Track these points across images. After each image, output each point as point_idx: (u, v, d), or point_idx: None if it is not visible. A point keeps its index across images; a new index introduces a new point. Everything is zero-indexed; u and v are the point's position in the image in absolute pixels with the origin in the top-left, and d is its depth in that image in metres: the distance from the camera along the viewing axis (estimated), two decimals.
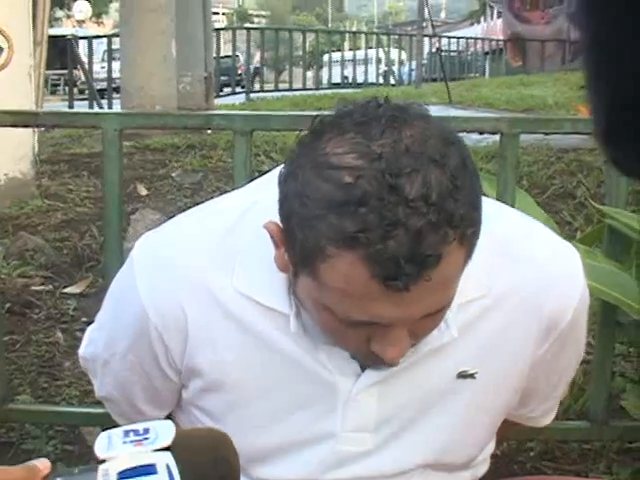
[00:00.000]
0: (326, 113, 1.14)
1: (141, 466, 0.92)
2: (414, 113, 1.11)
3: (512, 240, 1.34)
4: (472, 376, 1.34)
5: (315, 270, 1.10)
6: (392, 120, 1.07)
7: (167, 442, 0.95)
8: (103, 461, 0.93)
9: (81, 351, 1.54)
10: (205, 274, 1.29)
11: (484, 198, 1.15)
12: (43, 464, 0.93)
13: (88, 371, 1.55)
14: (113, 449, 0.94)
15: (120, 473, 0.92)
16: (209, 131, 5.79)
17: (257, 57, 19.72)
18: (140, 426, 0.98)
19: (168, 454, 0.94)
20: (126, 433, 0.96)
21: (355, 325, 1.14)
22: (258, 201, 1.30)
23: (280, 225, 1.15)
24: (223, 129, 2.72)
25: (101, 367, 1.46)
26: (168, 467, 0.93)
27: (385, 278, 1.05)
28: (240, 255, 1.28)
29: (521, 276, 1.32)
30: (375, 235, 1.02)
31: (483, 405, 1.38)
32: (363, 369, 1.30)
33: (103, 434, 0.97)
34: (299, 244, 1.10)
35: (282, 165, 1.18)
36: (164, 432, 0.96)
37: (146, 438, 0.95)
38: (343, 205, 1.03)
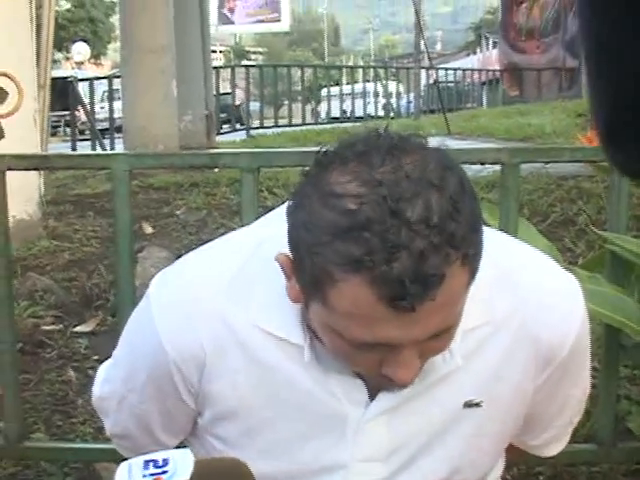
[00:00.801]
0: (329, 147, 1.18)
1: None
2: (413, 142, 1.15)
3: (513, 269, 1.36)
4: (478, 405, 1.36)
5: (324, 296, 1.13)
6: (392, 149, 1.12)
7: (186, 476, 0.98)
8: None
9: (96, 389, 1.55)
10: (221, 309, 1.32)
11: (486, 228, 1.19)
12: None
13: (101, 410, 1.56)
14: None
15: None
16: (216, 170, 5.84)
17: (241, 95, 19.67)
18: (160, 456, 1.01)
19: None
20: (146, 464, 1.00)
21: (366, 348, 1.18)
22: (269, 235, 1.33)
23: (290, 256, 1.19)
24: (230, 167, 2.78)
25: (117, 403, 1.48)
26: None
27: (391, 299, 1.08)
28: (254, 289, 1.32)
29: (521, 305, 1.35)
30: (379, 258, 1.06)
31: (489, 432, 1.40)
32: (372, 399, 1.32)
33: (124, 464, 1.00)
34: (308, 271, 1.14)
35: (289, 202, 1.23)
36: (183, 464, 0.99)
37: (165, 471, 0.99)
38: (348, 231, 1.08)
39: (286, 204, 1.28)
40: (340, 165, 1.12)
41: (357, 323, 1.14)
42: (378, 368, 1.22)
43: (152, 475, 0.98)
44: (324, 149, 1.18)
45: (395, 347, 1.17)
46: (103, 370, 1.56)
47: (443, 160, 1.14)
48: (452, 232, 1.08)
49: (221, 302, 1.32)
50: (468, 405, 1.36)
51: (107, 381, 1.52)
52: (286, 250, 1.20)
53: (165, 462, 1.00)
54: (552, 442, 1.57)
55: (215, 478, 1.03)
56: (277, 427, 1.36)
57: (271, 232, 1.32)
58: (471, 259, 1.12)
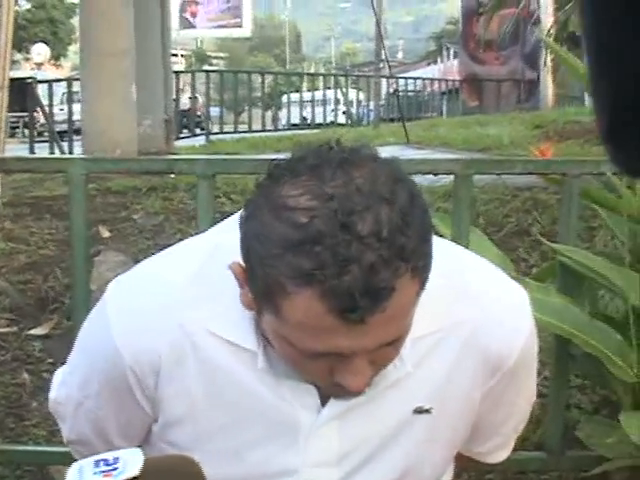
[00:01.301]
0: (282, 158, 1.20)
1: None
2: (364, 155, 1.17)
3: (462, 279, 1.38)
4: (428, 411, 1.38)
5: (276, 306, 1.15)
6: (343, 162, 1.14)
7: (135, 472, 0.99)
8: None
9: (52, 394, 1.55)
10: (177, 314, 1.33)
11: (436, 238, 1.21)
12: None
13: (58, 414, 1.56)
14: None
15: None
16: (172, 175, 5.83)
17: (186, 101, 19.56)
18: (110, 455, 1.03)
19: None
20: (96, 463, 1.01)
21: (317, 357, 1.20)
22: (225, 241, 1.34)
23: (243, 265, 1.21)
24: (186, 173, 2.79)
25: (74, 409, 1.48)
26: None
27: (342, 311, 1.10)
28: (209, 295, 1.33)
29: (469, 315, 1.37)
30: (330, 272, 1.08)
31: (439, 438, 1.42)
32: (324, 404, 1.34)
33: (75, 465, 1.01)
34: (260, 282, 1.15)
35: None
36: (132, 461, 1.01)
37: (115, 468, 1.00)
38: (299, 244, 1.09)
39: (239, 214, 1.30)
40: (292, 178, 1.14)
41: (308, 334, 1.16)
42: (330, 377, 1.24)
43: (102, 472, 0.99)
44: (276, 162, 1.20)
45: (346, 356, 1.19)
46: (59, 375, 1.56)
47: (394, 173, 1.16)
48: (402, 245, 1.10)
49: (177, 307, 1.34)
50: (418, 411, 1.38)
51: (63, 386, 1.52)
52: (240, 258, 1.21)
53: (115, 460, 1.01)
54: (497, 449, 1.60)
55: (164, 474, 1.04)
56: (229, 433, 1.37)
57: (227, 238, 1.34)
58: (420, 270, 1.15)
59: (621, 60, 0.83)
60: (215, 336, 1.33)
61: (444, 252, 1.25)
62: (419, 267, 1.14)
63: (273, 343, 1.26)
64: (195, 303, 1.33)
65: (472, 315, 1.37)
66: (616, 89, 0.85)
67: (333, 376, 1.23)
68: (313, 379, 1.30)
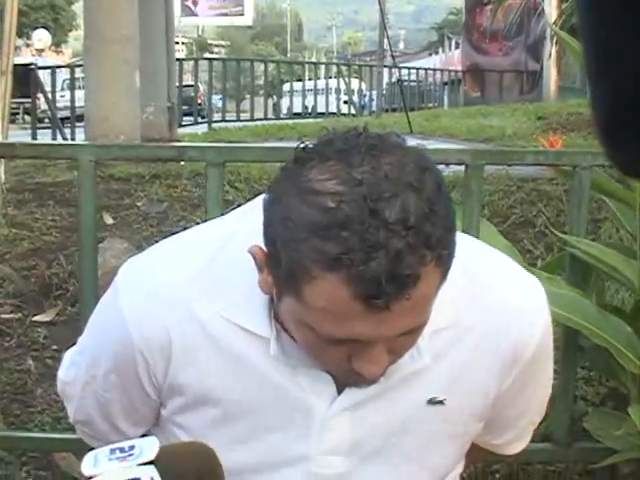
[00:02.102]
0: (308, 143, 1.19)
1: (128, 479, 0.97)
2: (392, 142, 1.17)
3: (480, 272, 1.38)
4: (441, 402, 1.38)
5: (299, 290, 1.14)
6: (371, 148, 1.13)
7: (151, 456, 0.99)
8: (90, 478, 0.98)
9: (61, 373, 1.56)
10: (189, 299, 1.33)
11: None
12: None
13: (65, 395, 1.56)
14: (99, 466, 0.99)
15: None
16: (182, 162, 5.83)
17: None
18: (125, 444, 1.02)
19: (152, 467, 0.98)
20: (112, 451, 1.01)
21: (337, 343, 1.19)
22: (239, 229, 1.34)
23: (264, 249, 1.20)
24: (197, 160, 2.78)
25: (81, 389, 1.48)
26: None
27: (367, 297, 1.10)
28: (223, 281, 1.33)
29: (487, 307, 1.37)
30: (357, 257, 1.08)
31: (451, 431, 1.42)
32: (339, 393, 1.34)
33: (90, 454, 1.01)
34: (284, 266, 1.14)
35: (260, 196, 1.24)
36: (148, 447, 1.01)
37: (131, 454, 1.00)
38: (326, 229, 1.09)
39: (257, 199, 1.30)
40: (319, 162, 1.13)
41: (330, 319, 1.15)
42: (347, 363, 1.23)
43: (118, 459, 0.99)
44: (302, 145, 1.19)
45: (366, 343, 1.19)
46: (69, 355, 1.56)
47: (421, 161, 1.15)
48: (428, 233, 1.10)
49: (190, 292, 1.33)
50: (432, 402, 1.38)
51: (72, 366, 1.52)
52: (258, 243, 1.21)
53: (131, 448, 1.01)
54: (514, 441, 1.60)
55: (181, 459, 1.04)
56: (242, 418, 1.37)
57: (241, 226, 1.34)
58: (445, 260, 1.14)
59: (620, 60, 0.82)
60: (229, 322, 1.32)
61: (462, 246, 1.24)
62: (443, 256, 1.13)
63: (291, 328, 1.26)
64: (208, 289, 1.33)
65: (489, 309, 1.37)
66: (615, 89, 0.85)
67: (350, 363, 1.23)
68: (329, 366, 1.30)
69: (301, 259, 1.11)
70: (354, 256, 1.08)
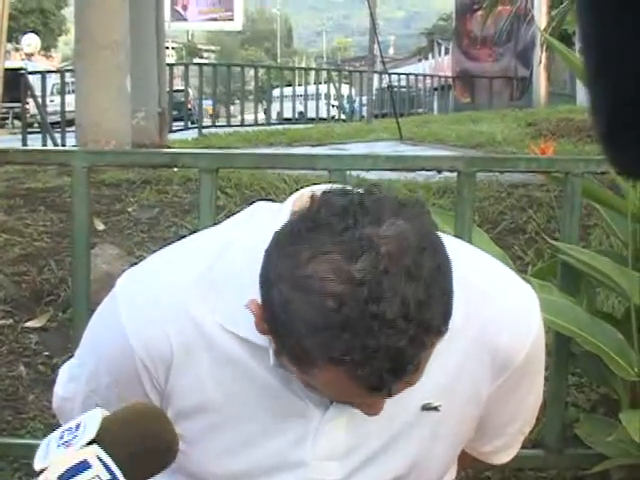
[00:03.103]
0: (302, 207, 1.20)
1: (75, 465, 0.97)
2: (388, 215, 1.15)
3: (473, 277, 1.39)
4: (436, 409, 1.40)
5: (302, 367, 1.18)
6: (369, 238, 1.12)
7: (91, 436, 1.00)
8: (42, 472, 0.99)
9: (59, 389, 1.55)
10: (189, 307, 1.34)
11: (443, 235, 1.22)
12: None
13: (62, 411, 1.55)
14: (47, 457, 1.00)
15: (59, 477, 0.98)
16: (175, 169, 5.82)
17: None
18: (73, 423, 1.03)
19: (95, 447, 0.99)
20: (61, 434, 1.01)
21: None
22: (235, 239, 1.35)
23: (260, 306, 1.20)
24: (190, 167, 2.79)
25: (82, 403, 1.47)
26: (99, 458, 0.98)
27: (370, 389, 1.14)
28: (221, 290, 1.34)
29: (478, 312, 1.38)
30: (359, 358, 1.10)
31: (445, 435, 1.44)
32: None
33: (43, 443, 1.02)
34: (287, 349, 1.18)
35: (256, 204, 1.25)
36: (90, 424, 1.02)
37: (76, 436, 1.01)
38: (328, 329, 1.10)
39: (251, 207, 1.31)
40: (318, 254, 1.12)
41: (334, 393, 1.21)
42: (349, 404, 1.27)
43: (64, 443, 0.99)
44: (296, 216, 1.18)
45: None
46: (66, 370, 1.55)
47: (419, 239, 1.15)
48: (428, 321, 1.12)
49: (189, 301, 1.34)
50: (426, 408, 1.40)
51: (71, 380, 1.52)
52: (253, 257, 1.22)
53: (77, 427, 1.02)
54: (503, 450, 1.61)
55: (119, 427, 1.04)
56: (239, 425, 1.38)
57: (238, 235, 1.35)
58: (443, 332, 1.17)
59: (621, 60, 0.82)
60: (226, 331, 1.34)
61: (453, 250, 1.25)
62: (443, 331, 1.16)
63: (293, 372, 1.27)
64: (206, 297, 1.34)
65: (481, 313, 1.38)
66: (615, 89, 0.85)
67: (352, 404, 1.27)
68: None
69: (304, 349, 1.14)
70: (356, 356, 1.10)
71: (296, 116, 20.19)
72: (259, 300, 1.21)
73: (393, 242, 1.13)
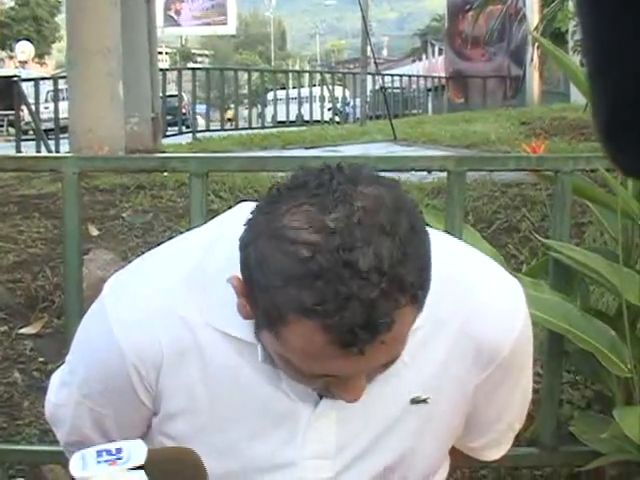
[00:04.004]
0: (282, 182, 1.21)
1: None
2: (364, 180, 1.17)
3: (456, 270, 1.40)
4: (424, 401, 1.40)
5: (276, 330, 1.17)
6: (344, 192, 1.14)
7: (140, 461, 1.00)
8: None
9: (52, 396, 1.55)
10: (178, 308, 1.34)
11: (432, 230, 1.23)
12: None
13: (56, 418, 1.56)
14: (88, 469, 0.99)
15: None
16: (165, 173, 5.83)
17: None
18: (112, 446, 1.03)
19: (142, 472, 0.99)
20: (99, 453, 1.01)
21: (314, 376, 1.22)
22: (222, 237, 1.35)
23: (241, 280, 1.21)
24: (180, 171, 2.79)
25: (74, 409, 1.48)
26: None
27: (342, 345, 1.12)
28: (208, 289, 1.34)
29: (464, 304, 1.38)
30: (331, 307, 1.10)
31: (433, 429, 1.44)
32: (322, 397, 1.36)
33: (77, 455, 1.01)
34: (261, 308, 1.17)
35: (242, 204, 1.26)
36: (136, 451, 1.01)
37: (119, 458, 1.00)
38: (301, 278, 1.11)
39: (238, 206, 1.31)
40: (293, 207, 1.14)
41: (307, 358, 1.18)
42: (326, 387, 1.26)
43: (106, 462, 0.99)
44: (277, 185, 1.20)
45: (342, 377, 1.22)
46: (57, 377, 1.55)
47: (395, 201, 1.16)
48: (402, 278, 1.12)
49: (177, 302, 1.35)
50: (415, 401, 1.40)
51: (63, 387, 1.52)
52: (237, 261, 1.22)
53: (118, 451, 1.02)
54: (492, 446, 1.61)
55: (168, 464, 1.05)
56: (229, 425, 1.38)
57: (225, 233, 1.35)
58: (419, 298, 1.16)
59: (621, 59, 0.82)
60: (214, 329, 1.34)
61: (439, 243, 1.26)
62: (418, 296, 1.16)
63: (271, 354, 1.28)
64: (194, 296, 1.34)
65: (466, 305, 1.39)
66: (615, 89, 0.84)
67: (329, 389, 1.26)
68: (309, 387, 1.32)
69: (277, 305, 1.14)
70: (328, 306, 1.10)
71: (291, 119, 20.19)
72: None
73: (369, 199, 1.15)
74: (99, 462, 1.00)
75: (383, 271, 1.10)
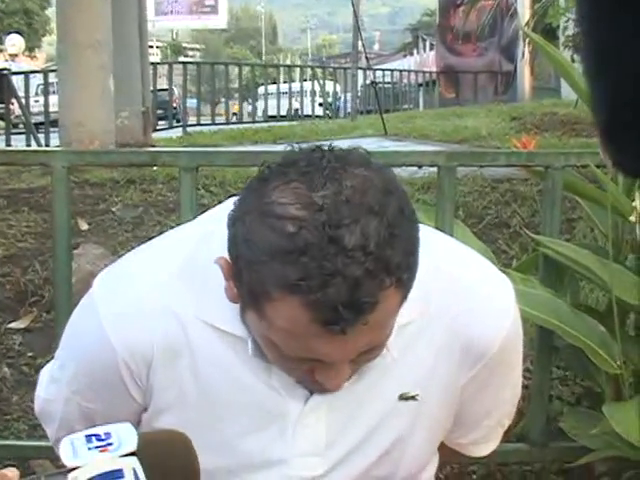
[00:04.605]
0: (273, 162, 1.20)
1: (109, 472, 0.96)
2: (356, 162, 1.17)
3: (446, 266, 1.39)
4: (413, 398, 1.40)
5: (261, 309, 1.16)
6: (334, 170, 1.14)
7: (132, 447, 0.99)
8: (71, 469, 0.98)
9: (41, 392, 1.54)
10: (169, 302, 1.34)
11: (422, 225, 1.22)
12: (12, 472, 0.97)
13: (45, 414, 1.55)
14: (80, 457, 0.98)
15: (88, 479, 0.97)
16: (155, 167, 5.81)
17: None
18: (100, 430, 1.02)
19: (134, 459, 0.97)
20: (88, 438, 1.00)
21: (299, 359, 1.22)
22: (213, 231, 1.35)
23: (229, 261, 1.21)
24: (169, 166, 2.78)
25: (64, 405, 1.48)
26: (134, 471, 0.97)
27: (324, 323, 1.12)
28: (199, 283, 1.34)
29: (453, 300, 1.38)
30: (315, 283, 1.09)
31: (422, 425, 1.44)
32: (312, 393, 1.35)
33: (66, 440, 1.00)
34: (246, 285, 1.17)
35: (233, 198, 1.25)
36: (127, 437, 1.00)
37: (110, 443, 1.00)
38: (286, 253, 1.10)
39: (228, 203, 1.30)
40: (282, 184, 1.14)
41: (291, 339, 1.17)
42: (311, 374, 1.26)
43: (97, 448, 0.98)
44: (267, 164, 1.20)
45: (327, 362, 1.22)
46: (47, 372, 1.54)
47: (384, 183, 1.16)
48: (388, 259, 1.11)
49: (169, 297, 1.34)
50: (404, 398, 1.40)
51: (52, 382, 1.51)
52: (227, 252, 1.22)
53: (107, 435, 1.01)
54: (481, 442, 1.61)
55: (159, 447, 1.04)
56: (219, 421, 1.38)
57: (217, 227, 1.34)
58: (405, 283, 1.16)
59: (620, 60, 0.82)
60: (205, 324, 1.33)
61: (430, 239, 1.25)
62: (404, 280, 1.15)
63: (256, 338, 1.27)
64: (185, 290, 1.34)
65: (456, 302, 1.39)
66: (615, 89, 0.85)
67: (313, 375, 1.26)
68: (294, 376, 1.32)
69: (262, 281, 1.13)
70: (312, 282, 1.10)
71: (281, 114, 20.17)
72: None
73: (358, 178, 1.15)
74: (89, 449, 0.99)
75: (369, 250, 1.10)
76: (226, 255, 1.22)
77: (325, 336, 1.14)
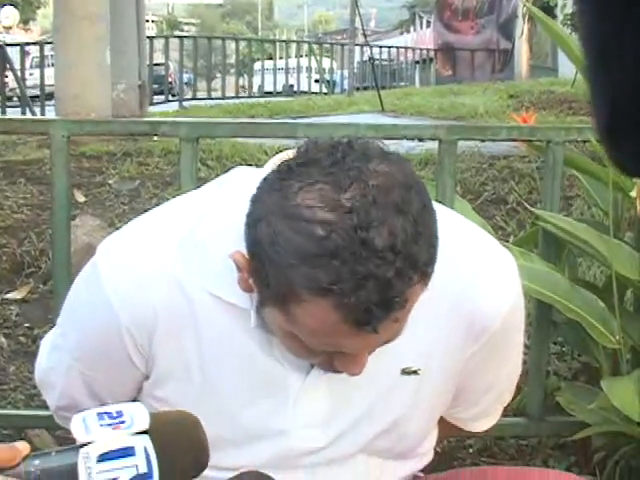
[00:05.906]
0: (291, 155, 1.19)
1: (121, 448, 0.97)
2: (376, 156, 1.17)
3: (451, 240, 1.37)
4: (415, 372, 1.40)
5: (288, 309, 1.16)
6: (357, 170, 1.13)
7: (145, 425, 1.00)
8: (83, 445, 0.98)
9: (42, 361, 1.55)
10: (172, 270, 1.33)
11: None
12: (23, 445, 0.98)
13: (46, 382, 1.55)
14: (92, 433, 0.99)
15: (100, 455, 0.97)
16: (155, 138, 5.79)
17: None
18: (112, 408, 1.02)
19: (146, 437, 0.98)
20: (100, 415, 1.00)
21: (320, 352, 1.23)
22: (217, 201, 1.35)
23: (245, 256, 1.21)
24: (170, 136, 2.77)
25: (66, 372, 1.47)
26: (145, 449, 0.98)
27: (356, 323, 1.13)
28: (202, 253, 1.33)
29: (457, 275, 1.38)
30: (347, 287, 1.10)
31: (424, 399, 1.44)
32: (313, 365, 1.35)
33: (77, 417, 1.01)
34: (273, 286, 1.16)
35: (234, 170, 1.24)
36: (139, 416, 1.01)
37: (122, 422, 1.00)
38: (317, 257, 1.10)
39: (231, 172, 1.30)
40: (307, 185, 1.13)
41: (318, 335, 1.18)
42: (329, 361, 1.26)
43: (109, 425, 0.99)
44: (286, 161, 1.19)
45: (349, 352, 1.23)
46: (48, 341, 1.54)
47: (405, 177, 1.16)
48: (415, 256, 1.12)
49: (171, 264, 1.33)
50: (406, 372, 1.40)
51: (54, 350, 1.51)
52: (233, 222, 1.22)
53: (119, 414, 1.01)
54: (481, 417, 1.62)
55: (170, 426, 1.04)
56: (220, 391, 1.38)
57: (219, 198, 1.34)
58: (429, 275, 1.17)
59: (621, 60, 0.82)
60: (209, 294, 1.33)
61: (439, 215, 1.25)
62: (428, 273, 1.17)
63: (273, 330, 1.27)
64: (188, 260, 1.33)
65: (459, 278, 1.39)
66: (615, 88, 0.84)
67: (332, 363, 1.26)
68: (309, 360, 1.32)
69: (291, 283, 1.13)
70: (344, 286, 1.10)
71: (277, 89, 20.11)
72: (244, 252, 1.21)
73: (382, 177, 1.14)
74: (102, 425, 0.99)
75: (397, 249, 1.11)
76: (234, 239, 1.22)
77: (355, 334, 1.15)
